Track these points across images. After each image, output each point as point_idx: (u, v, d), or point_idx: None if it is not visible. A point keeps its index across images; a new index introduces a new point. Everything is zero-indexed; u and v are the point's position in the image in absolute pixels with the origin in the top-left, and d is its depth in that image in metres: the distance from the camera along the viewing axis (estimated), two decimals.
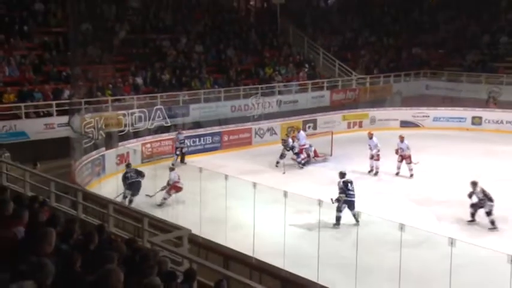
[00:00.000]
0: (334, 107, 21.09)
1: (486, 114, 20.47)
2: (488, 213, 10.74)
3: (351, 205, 10.46)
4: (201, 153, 16.81)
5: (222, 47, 21.11)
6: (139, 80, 17.78)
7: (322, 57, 23.60)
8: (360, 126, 20.63)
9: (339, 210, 10.55)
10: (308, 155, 15.79)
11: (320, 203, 8.44)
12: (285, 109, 19.76)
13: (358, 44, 25.74)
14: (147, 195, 12.04)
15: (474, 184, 10.99)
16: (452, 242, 6.91)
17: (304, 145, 15.80)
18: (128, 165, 12.64)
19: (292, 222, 10.14)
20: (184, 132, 16.09)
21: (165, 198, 12.02)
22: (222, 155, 16.83)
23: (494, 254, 7.24)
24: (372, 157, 14.89)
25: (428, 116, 20.83)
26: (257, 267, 8.45)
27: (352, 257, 8.30)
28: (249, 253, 8.56)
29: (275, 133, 18.49)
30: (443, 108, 21.20)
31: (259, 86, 19.54)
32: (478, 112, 20.47)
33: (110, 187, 12.64)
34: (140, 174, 12.18)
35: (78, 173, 12.50)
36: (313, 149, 16.01)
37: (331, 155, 16.52)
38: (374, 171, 14.74)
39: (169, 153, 16.21)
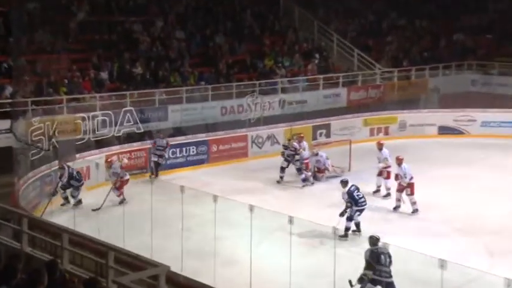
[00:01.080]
0: (353, 108, 21.12)
1: None
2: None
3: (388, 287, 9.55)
4: (183, 167, 16.81)
5: (209, 32, 21.16)
6: (103, 75, 17.79)
7: (337, 46, 23.69)
8: (386, 133, 20.65)
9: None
10: (318, 171, 15.82)
11: (336, 231, 8.40)
12: (290, 111, 19.79)
13: (382, 28, 25.87)
14: (93, 210, 12.60)
15: None
16: (509, 284, 6.90)
17: (307, 159, 15.82)
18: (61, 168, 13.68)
19: (300, 256, 10.07)
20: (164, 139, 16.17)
21: (120, 196, 13.49)
22: (210, 170, 16.84)
23: None
24: (380, 173, 14.82)
25: (475, 120, 20.90)
26: None
27: None
28: None
29: (277, 142, 18.49)
30: (494, 109, 21.25)
31: (257, 82, 19.59)
32: None
33: (64, 212, 12.57)
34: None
35: (22, 193, 12.45)
36: (329, 162, 15.97)
37: (349, 170, 16.50)
38: (385, 192, 14.70)
39: (142, 167, 16.16)
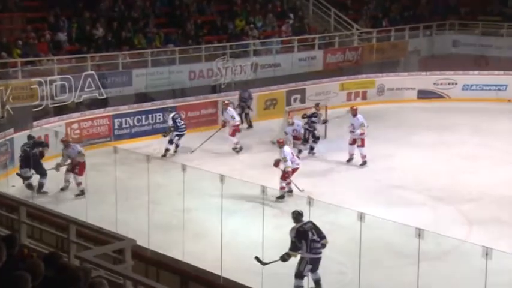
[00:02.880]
0: (329, 72, 21.19)
1: None
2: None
3: (315, 264, 8.94)
4: (149, 135, 16.77)
5: None
6: (61, 36, 17.51)
7: (313, 5, 23.61)
8: (364, 98, 20.82)
9: (299, 275, 8.89)
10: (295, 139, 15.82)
11: (311, 201, 8.50)
12: (263, 75, 19.80)
13: None
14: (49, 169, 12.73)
15: None
16: (487, 253, 7.01)
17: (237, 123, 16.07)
18: (30, 137, 13.21)
19: (274, 228, 10.21)
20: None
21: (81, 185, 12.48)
22: (182, 140, 16.81)
23: None
24: (353, 142, 14.95)
25: (456, 84, 21.15)
26: None
27: (353, 273, 8.42)
28: (215, 271, 8.60)
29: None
30: (476, 72, 21.52)
31: (228, 44, 19.48)
32: None
33: (21, 183, 12.49)
34: (40, 144, 12.96)
35: None
36: (302, 131, 15.88)
37: (325, 137, 16.65)
38: (361, 161, 14.86)
39: (104, 136, 16.09)
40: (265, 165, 14.06)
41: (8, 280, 4.73)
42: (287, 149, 12.98)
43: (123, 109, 16.72)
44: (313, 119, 15.91)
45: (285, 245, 9.03)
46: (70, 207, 9.67)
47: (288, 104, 19.11)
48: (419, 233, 7.56)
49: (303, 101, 19.63)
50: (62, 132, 14.17)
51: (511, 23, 23.59)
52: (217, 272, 8.55)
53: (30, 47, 16.65)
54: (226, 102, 16.64)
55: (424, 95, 20.99)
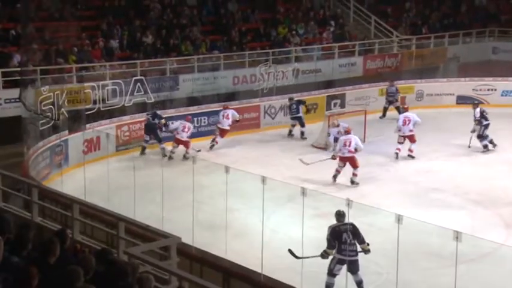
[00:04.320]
0: (369, 78, 21.00)
1: None
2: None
3: (349, 266, 8.73)
4: (195, 138, 16.80)
5: None
6: (113, 43, 17.82)
7: (354, 13, 23.47)
8: (403, 103, 20.50)
9: (329, 272, 8.79)
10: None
11: (350, 203, 8.43)
12: (304, 81, 19.74)
13: None
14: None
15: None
16: None
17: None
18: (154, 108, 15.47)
19: (313, 228, 10.16)
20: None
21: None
22: (222, 141, 16.79)
23: None
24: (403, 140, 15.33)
25: (495, 90, 20.72)
26: (266, 286, 8.50)
27: (391, 274, 8.32)
28: (256, 268, 8.61)
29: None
30: None
31: (270, 50, 19.51)
32: None
33: (74, 182, 12.73)
34: (159, 117, 15.42)
35: (32, 163, 12.58)
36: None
37: (364, 140, 16.49)
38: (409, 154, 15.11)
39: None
40: (305, 168, 14.05)
41: (61, 274, 4.83)
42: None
43: (171, 112, 16.84)
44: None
45: (323, 245, 8.98)
46: (119, 205, 9.79)
47: (328, 108, 19.00)
48: (457, 235, 7.44)
49: (342, 105, 19.49)
50: (112, 135, 14.40)
51: None
52: (258, 270, 8.56)
53: (84, 53, 16.98)
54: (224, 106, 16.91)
55: (463, 100, 20.55)
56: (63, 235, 5.79)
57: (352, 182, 13.49)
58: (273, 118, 18.46)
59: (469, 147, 16.08)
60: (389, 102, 19.37)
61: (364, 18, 23.25)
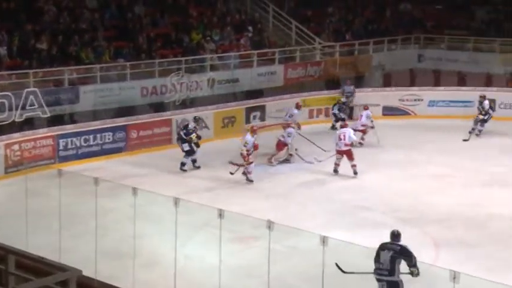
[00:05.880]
0: (290, 87, 21.33)
1: (502, 96, 21.32)
2: None
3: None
4: (98, 156, 16.60)
5: (126, 1, 20.85)
6: (0, 50, 17.26)
7: (273, 17, 23.81)
8: (327, 115, 21.00)
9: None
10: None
11: (271, 225, 8.48)
12: (221, 91, 19.83)
13: None
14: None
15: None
16: (455, 276, 7.12)
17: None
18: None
19: (231, 254, 10.16)
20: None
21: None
22: (129, 159, 16.70)
23: None
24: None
25: (422, 100, 21.53)
26: None
27: None
28: None
29: (206, 126, 18.48)
30: (441, 88, 21.94)
31: (183, 58, 19.47)
32: (491, 93, 21.23)
33: None
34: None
35: None
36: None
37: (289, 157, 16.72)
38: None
39: (48, 157, 15.82)
40: (223, 186, 14.05)
41: None
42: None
43: (69, 128, 16.48)
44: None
45: (243, 271, 8.97)
46: (8, 236, 9.42)
47: (248, 121, 19.14)
48: None
49: (262, 118, 19.70)
50: (0, 154, 13.92)
51: (477, 37, 24.19)
52: None
53: None
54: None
55: (389, 111, 21.29)
56: None
57: (355, 173, 15.40)
58: None
59: (467, 140, 18.52)
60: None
61: (285, 23, 23.63)
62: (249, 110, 19.64)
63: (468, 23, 26.05)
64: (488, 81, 22.38)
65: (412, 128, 19.13)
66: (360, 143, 17.61)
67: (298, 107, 18.47)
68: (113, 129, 17.01)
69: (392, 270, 8.86)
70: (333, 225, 11.88)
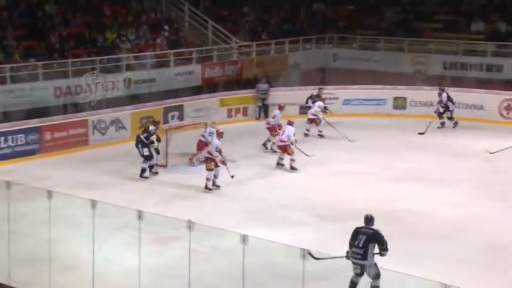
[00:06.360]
0: (208, 87, 21.33)
1: (412, 94, 22.02)
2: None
3: (361, 269, 9.31)
4: (10, 159, 16.09)
5: None
6: None
7: (189, 16, 23.73)
8: (245, 114, 21.11)
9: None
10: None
11: (191, 225, 8.45)
12: (137, 91, 19.63)
13: None
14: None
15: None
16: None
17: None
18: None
19: (151, 255, 10.06)
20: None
21: None
22: (43, 162, 16.31)
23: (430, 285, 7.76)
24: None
25: (337, 98, 21.95)
26: None
27: None
28: None
29: (123, 127, 18.27)
30: (355, 87, 22.44)
31: (97, 58, 19.18)
32: (402, 91, 21.99)
33: None
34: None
35: None
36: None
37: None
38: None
39: None
40: (141, 187, 13.85)
41: None
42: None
43: None
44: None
45: (163, 272, 8.90)
46: None
47: (166, 121, 18.98)
48: (304, 253, 7.74)
49: (181, 118, 19.60)
50: None
51: (387, 36, 24.92)
52: None
53: None
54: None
55: (306, 110, 21.53)
56: None
57: (292, 168, 15.85)
58: (103, 134, 18.08)
59: (423, 133, 19.23)
60: (262, 100, 21.01)
61: (201, 22, 23.60)
62: (167, 110, 19.48)
63: (378, 23, 26.73)
64: (399, 80, 23.03)
65: (328, 126, 19.43)
66: (306, 134, 18.90)
67: (280, 107, 18.34)
68: (25, 131, 16.53)
69: (365, 254, 9.21)
70: (252, 224, 11.92)
